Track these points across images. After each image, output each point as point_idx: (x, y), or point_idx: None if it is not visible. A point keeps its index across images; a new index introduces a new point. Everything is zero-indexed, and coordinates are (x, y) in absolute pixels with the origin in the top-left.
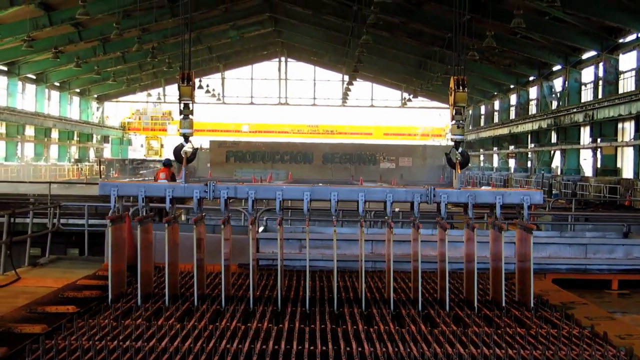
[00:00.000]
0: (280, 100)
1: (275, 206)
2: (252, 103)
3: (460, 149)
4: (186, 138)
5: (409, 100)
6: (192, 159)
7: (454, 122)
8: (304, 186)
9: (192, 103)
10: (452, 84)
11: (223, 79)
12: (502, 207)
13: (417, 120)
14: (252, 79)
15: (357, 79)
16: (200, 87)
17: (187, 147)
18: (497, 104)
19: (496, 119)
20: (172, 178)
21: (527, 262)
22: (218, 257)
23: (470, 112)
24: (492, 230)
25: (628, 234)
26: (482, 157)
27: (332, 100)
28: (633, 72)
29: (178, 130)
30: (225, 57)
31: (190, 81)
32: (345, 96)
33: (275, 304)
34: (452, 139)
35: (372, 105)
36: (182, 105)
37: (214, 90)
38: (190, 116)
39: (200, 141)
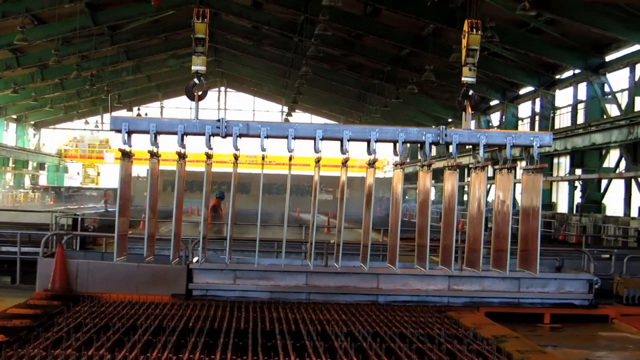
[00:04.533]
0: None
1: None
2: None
3: (470, 92)
4: (199, 76)
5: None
6: (204, 96)
7: (465, 65)
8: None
9: (206, 40)
10: (465, 27)
11: (162, 107)
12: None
13: (357, 153)
14: (191, 108)
15: (297, 110)
16: (139, 115)
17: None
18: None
19: (434, 152)
20: (213, 209)
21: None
22: (152, 287)
23: (409, 145)
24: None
25: (561, 268)
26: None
27: None
28: (569, 108)
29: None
30: (164, 85)
31: (205, 18)
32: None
33: (208, 335)
34: (463, 82)
35: (310, 137)
36: (195, 42)
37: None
38: (203, 55)
39: (138, 170)
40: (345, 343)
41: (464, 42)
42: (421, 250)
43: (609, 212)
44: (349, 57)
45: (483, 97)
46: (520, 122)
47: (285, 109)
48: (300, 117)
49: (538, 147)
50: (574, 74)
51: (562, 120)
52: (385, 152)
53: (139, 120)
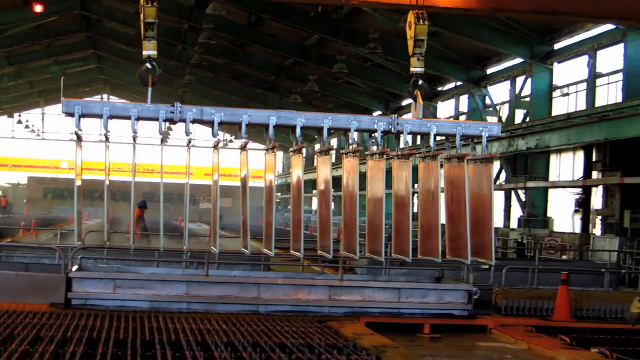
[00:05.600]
0: (101, 138)
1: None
2: (72, 140)
3: (420, 82)
4: (151, 60)
5: (230, 141)
6: (156, 80)
7: (413, 55)
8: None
9: (156, 24)
10: (411, 17)
11: (43, 114)
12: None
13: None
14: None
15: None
16: (20, 122)
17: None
18: (317, 147)
19: (315, 163)
20: (138, 219)
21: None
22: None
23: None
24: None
25: (441, 278)
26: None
27: (153, 139)
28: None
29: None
30: (46, 92)
31: (155, 2)
32: (166, 135)
33: (86, 344)
34: (412, 72)
35: (193, 145)
36: (145, 27)
37: (33, 125)
38: (154, 39)
39: (18, 177)
40: (225, 353)
41: (410, 32)
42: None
43: None
44: (233, 65)
45: (366, 107)
46: (401, 134)
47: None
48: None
49: (487, 137)
50: (456, 86)
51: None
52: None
53: (92, 104)
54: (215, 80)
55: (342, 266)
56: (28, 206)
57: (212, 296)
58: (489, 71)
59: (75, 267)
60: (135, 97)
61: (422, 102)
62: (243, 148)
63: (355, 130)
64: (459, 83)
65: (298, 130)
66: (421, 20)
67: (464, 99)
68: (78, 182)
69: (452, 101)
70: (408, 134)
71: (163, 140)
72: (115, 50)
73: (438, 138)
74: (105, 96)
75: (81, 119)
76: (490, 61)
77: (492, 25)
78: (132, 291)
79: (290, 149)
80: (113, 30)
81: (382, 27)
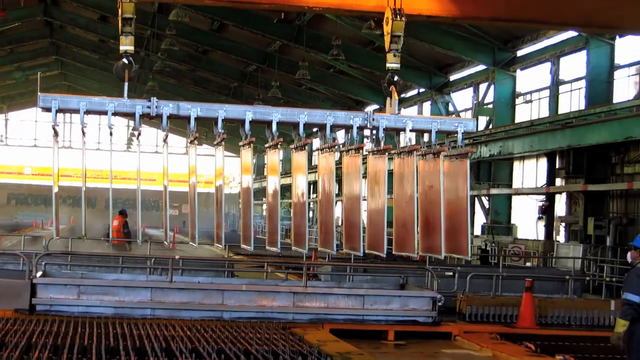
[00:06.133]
0: (64, 143)
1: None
2: (35, 145)
3: (395, 78)
4: (127, 56)
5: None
6: (133, 76)
7: (389, 52)
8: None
9: (134, 20)
10: (388, 14)
11: (6, 120)
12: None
13: (202, 168)
14: (36, 121)
15: (144, 125)
16: None
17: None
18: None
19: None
20: (124, 226)
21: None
22: None
23: (255, 160)
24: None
25: (405, 285)
26: (264, 207)
27: (117, 145)
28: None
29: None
30: (9, 98)
31: None
32: (130, 141)
33: (51, 350)
34: (388, 68)
35: (156, 152)
36: (122, 22)
37: None
38: (131, 34)
39: None
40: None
41: (387, 28)
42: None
43: None
44: (196, 72)
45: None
46: (365, 139)
47: (132, 123)
48: (147, 131)
49: (462, 132)
50: (419, 92)
51: (407, 138)
52: (232, 168)
53: (68, 99)
54: (178, 87)
55: (306, 272)
56: None
57: (176, 302)
58: (452, 78)
59: (39, 273)
60: None
61: (397, 98)
62: (219, 143)
63: (330, 126)
64: (421, 90)
65: (274, 126)
66: (398, 17)
67: (427, 106)
68: (55, 182)
69: (415, 108)
70: (384, 129)
71: (129, 145)
72: (79, 56)
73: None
74: None
75: (57, 113)
76: (453, 68)
77: (454, 32)
78: (96, 297)
79: (267, 145)
80: (76, 37)
81: (344, 34)
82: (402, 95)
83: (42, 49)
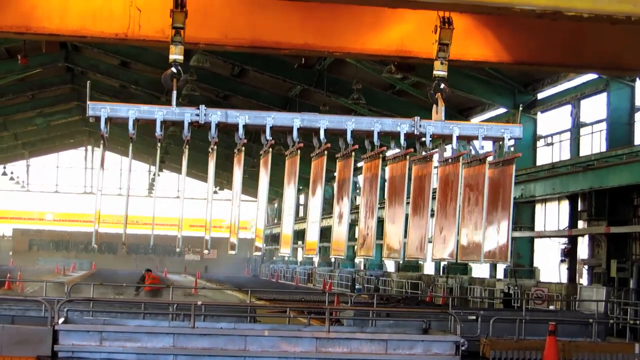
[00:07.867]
0: (86, 189)
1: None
2: (57, 191)
3: (442, 85)
4: (177, 65)
5: (215, 192)
6: (182, 85)
7: (437, 59)
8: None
9: (184, 30)
10: (437, 22)
11: (28, 166)
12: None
13: (224, 213)
14: (57, 167)
15: (164, 170)
16: (5, 174)
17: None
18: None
19: (301, 213)
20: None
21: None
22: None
23: (276, 205)
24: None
25: (428, 329)
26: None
27: (138, 191)
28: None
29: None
30: (31, 144)
31: (184, 7)
32: (151, 187)
33: None
34: (435, 75)
35: (177, 197)
36: (174, 32)
37: (18, 177)
38: (181, 44)
39: (3, 229)
40: None
41: (436, 36)
42: None
43: (475, 273)
44: None
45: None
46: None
47: (153, 168)
48: (168, 176)
49: (509, 139)
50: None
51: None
52: (251, 213)
53: (117, 107)
54: (199, 132)
55: (329, 317)
56: (14, 257)
57: (198, 348)
58: (473, 121)
59: (61, 320)
60: (120, 149)
61: (443, 105)
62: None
63: (377, 133)
64: None
65: (322, 133)
66: (447, 25)
67: (449, 149)
68: (99, 189)
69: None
70: (430, 136)
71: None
72: (100, 101)
73: None
74: (89, 148)
75: (107, 122)
76: (473, 111)
77: (474, 76)
78: (118, 343)
79: (313, 153)
80: (97, 82)
81: (365, 78)
82: (422, 139)
83: (63, 95)
